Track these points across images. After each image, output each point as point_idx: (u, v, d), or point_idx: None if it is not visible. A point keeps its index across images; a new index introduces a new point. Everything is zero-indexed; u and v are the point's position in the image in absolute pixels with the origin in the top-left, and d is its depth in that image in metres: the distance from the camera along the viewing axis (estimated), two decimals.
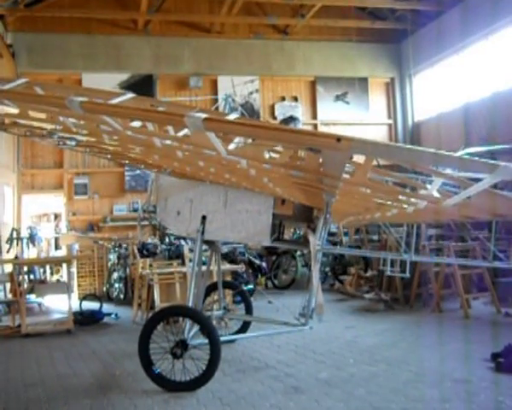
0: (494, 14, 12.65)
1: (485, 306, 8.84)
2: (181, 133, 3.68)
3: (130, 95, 4.45)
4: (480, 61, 13.78)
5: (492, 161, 2.48)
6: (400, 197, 4.15)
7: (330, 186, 4.15)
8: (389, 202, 4.54)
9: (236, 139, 3.80)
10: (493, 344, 5.96)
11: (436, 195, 3.56)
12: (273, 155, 4.38)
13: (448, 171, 4.00)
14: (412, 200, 4.11)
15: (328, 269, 12.54)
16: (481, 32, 13.45)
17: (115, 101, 3.75)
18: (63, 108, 2.95)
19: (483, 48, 13.67)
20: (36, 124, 4.83)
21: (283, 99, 16.26)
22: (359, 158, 2.97)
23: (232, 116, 4.32)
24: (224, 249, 10.75)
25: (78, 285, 12.56)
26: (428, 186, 3.76)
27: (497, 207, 3.65)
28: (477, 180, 2.78)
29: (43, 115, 4.44)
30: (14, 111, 4.45)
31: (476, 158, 2.57)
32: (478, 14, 13.25)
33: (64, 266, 11.59)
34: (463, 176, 3.44)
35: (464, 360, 5.91)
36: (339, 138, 2.33)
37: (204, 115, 2.51)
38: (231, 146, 3.69)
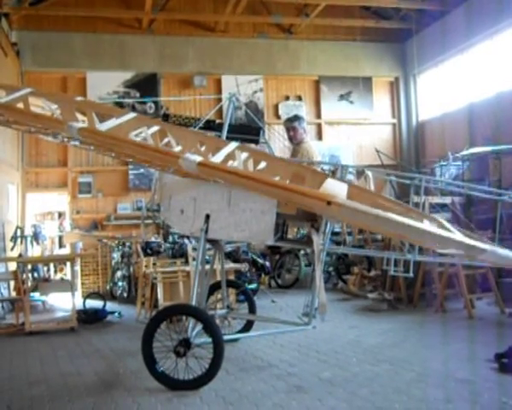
0: (499, 13, 12.62)
1: (489, 306, 8.81)
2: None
3: (131, 115, 4.45)
4: (484, 61, 13.75)
5: (479, 245, 2.49)
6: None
7: (327, 217, 4.17)
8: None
9: (235, 163, 3.80)
10: (497, 345, 5.93)
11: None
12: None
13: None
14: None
15: (331, 268, 12.52)
16: (486, 32, 13.42)
17: (116, 122, 3.75)
18: (62, 131, 2.97)
19: (487, 48, 13.65)
20: (39, 124, 4.85)
21: (287, 98, 16.27)
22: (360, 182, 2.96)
23: (229, 148, 4.27)
24: (228, 248, 10.75)
25: (82, 283, 12.57)
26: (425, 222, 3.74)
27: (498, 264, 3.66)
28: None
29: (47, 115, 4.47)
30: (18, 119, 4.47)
31: (470, 241, 2.56)
32: (482, 14, 13.22)
33: (68, 264, 11.66)
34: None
35: (468, 360, 5.88)
36: (329, 202, 2.31)
37: (198, 159, 2.51)
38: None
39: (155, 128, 4.50)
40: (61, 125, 2.91)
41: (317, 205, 2.42)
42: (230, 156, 4.66)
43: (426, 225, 2.69)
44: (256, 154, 5.18)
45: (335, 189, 4.07)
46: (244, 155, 4.68)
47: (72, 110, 4.22)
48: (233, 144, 4.42)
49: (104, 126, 3.99)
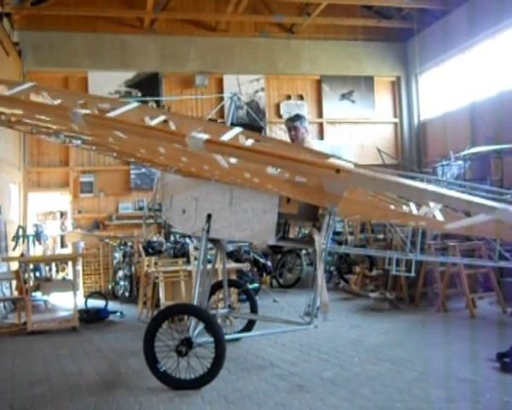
0: (501, 12, 12.60)
1: (491, 305, 8.81)
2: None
3: (134, 104, 4.44)
4: (486, 60, 13.73)
5: (491, 203, 2.45)
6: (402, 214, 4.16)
7: (333, 197, 4.15)
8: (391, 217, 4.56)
9: None
10: (499, 344, 5.94)
11: (439, 217, 3.52)
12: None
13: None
14: (415, 217, 4.11)
15: (333, 268, 12.52)
16: (488, 31, 13.39)
17: (120, 111, 3.75)
18: (67, 119, 2.96)
19: (490, 47, 13.62)
20: (42, 123, 4.85)
21: (289, 98, 16.25)
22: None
23: (233, 132, 4.28)
24: (229, 248, 10.75)
25: (84, 283, 12.59)
26: (431, 205, 3.71)
27: (503, 233, 3.61)
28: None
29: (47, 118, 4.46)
30: (20, 112, 4.46)
31: (476, 200, 2.53)
32: (484, 13, 13.20)
33: (69, 263, 11.63)
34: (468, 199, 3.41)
35: (470, 359, 5.89)
36: (338, 170, 2.31)
37: (205, 137, 2.50)
38: (233, 160, 3.68)
39: (160, 118, 4.50)
40: (65, 112, 2.90)
41: (326, 174, 2.41)
42: (235, 140, 4.66)
43: (436, 188, 2.66)
44: (260, 138, 5.17)
45: (341, 162, 4.07)
46: (249, 141, 4.67)
47: (74, 104, 4.23)
48: (237, 129, 4.41)
49: (108, 115, 4.00)
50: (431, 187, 2.36)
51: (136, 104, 4.15)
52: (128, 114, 3.96)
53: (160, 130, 3.54)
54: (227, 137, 4.18)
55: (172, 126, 4.68)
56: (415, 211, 3.96)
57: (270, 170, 4.27)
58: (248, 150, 2.62)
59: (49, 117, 3.84)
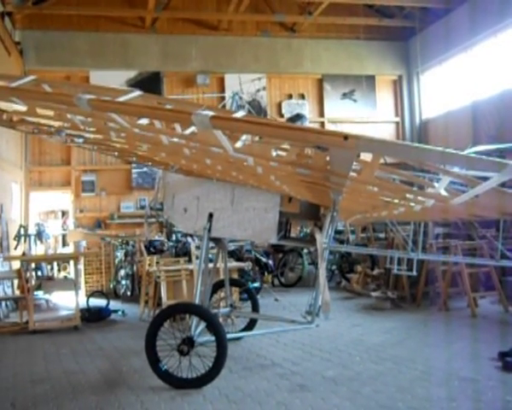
0: (503, 11, 12.58)
1: (493, 305, 8.80)
2: (188, 131, 3.68)
3: (137, 92, 4.45)
4: (488, 59, 13.71)
5: (501, 160, 2.46)
6: (407, 196, 4.12)
7: (337, 184, 4.14)
8: (396, 201, 4.52)
9: (243, 137, 3.79)
10: (501, 343, 5.94)
11: (443, 193, 3.53)
12: (280, 152, 4.37)
13: (455, 169, 3.99)
14: (419, 198, 4.09)
15: (334, 267, 12.52)
16: (490, 30, 13.37)
17: (122, 98, 3.75)
18: (71, 105, 2.95)
19: (491, 45, 13.60)
20: (43, 121, 4.85)
21: (290, 97, 16.25)
22: (366, 157, 2.96)
23: (239, 114, 4.31)
24: (231, 247, 10.76)
25: (86, 282, 12.60)
26: (436, 184, 3.73)
27: (506, 206, 3.62)
28: (485, 179, 2.76)
29: (50, 113, 4.46)
30: (22, 109, 4.47)
31: (484, 157, 2.55)
32: (486, 12, 13.18)
33: (71, 262, 11.63)
34: (471, 175, 3.42)
35: (471, 358, 5.88)
36: (346, 136, 2.31)
37: (211, 113, 2.50)
38: (238, 144, 3.68)
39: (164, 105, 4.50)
40: (70, 98, 2.89)
41: (334, 141, 2.40)
42: None
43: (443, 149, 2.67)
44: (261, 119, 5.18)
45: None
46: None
47: (78, 91, 4.23)
48: (240, 113, 4.42)
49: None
50: (437, 149, 2.36)
51: (138, 92, 4.15)
52: (132, 101, 3.96)
53: (165, 110, 3.54)
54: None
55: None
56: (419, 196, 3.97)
57: (275, 153, 4.26)
58: (256, 123, 2.61)
59: (53, 105, 3.83)
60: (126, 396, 4.95)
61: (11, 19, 13.51)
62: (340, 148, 2.51)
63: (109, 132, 4.55)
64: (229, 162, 4.40)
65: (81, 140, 5.85)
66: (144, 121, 3.78)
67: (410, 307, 8.97)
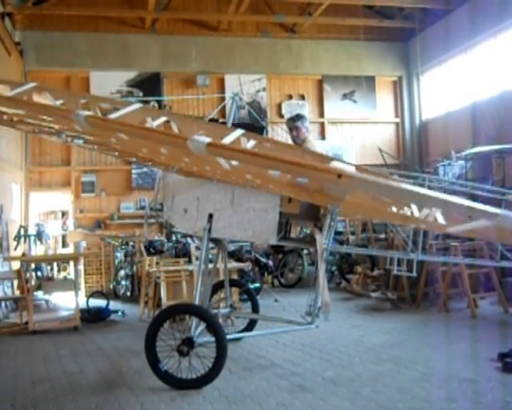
0: (502, 12, 12.59)
1: (493, 305, 8.80)
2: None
3: (137, 105, 4.45)
4: (488, 60, 13.72)
5: (493, 210, 2.46)
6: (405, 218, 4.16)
7: (334, 199, 4.15)
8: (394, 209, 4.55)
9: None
10: (500, 344, 5.94)
11: (440, 219, 3.52)
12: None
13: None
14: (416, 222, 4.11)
15: (334, 268, 12.52)
16: (489, 31, 13.38)
17: (122, 112, 3.75)
18: (69, 120, 2.97)
19: (491, 46, 13.61)
20: (44, 124, 4.85)
21: (290, 97, 16.26)
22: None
23: (235, 135, 4.28)
24: (231, 248, 10.76)
25: (85, 283, 12.61)
26: (434, 209, 3.73)
27: (504, 238, 3.60)
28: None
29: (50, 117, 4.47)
30: (22, 112, 4.47)
31: (478, 206, 2.53)
32: (486, 13, 13.19)
33: (71, 263, 11.63)
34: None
35: (471, 359, 5.88)
36: (340, 175, 2.31)
37: (207, 140, 2.50)
38: (235, 162, 3.68)
39: (161, 119, 4.49)
40: (67, 114, 2.91)
41: (328, 179, 2.41)
42: (236, 143, 4.66)
43: (438, 194, 2.66)
44: (262, 140, 5.18)
45: (343, 167, 4.09)
46: (251, 142, 4.67)
47: (77, 104, 4.23)
48: (239, 131, 4.41)
49: (111, 116, 4.00)
50: (433, 193, 2.36)
51: (138, 105, 4.15)
52: (130, 115, 3.96)
53: (162, 133, 3.54)
54: (229, 139, 4.18)
55: (174, 127, 4.67)
56: (416, 213, 3.97)
57: (272, 172, 4.27)
58: (250, 154, 2.62)
59: (51, 118, 3.84)
60: (126, 397, 4.95)
61: (11, 19, 13.50)
62: (333, 184, 2.53)
63: (110, 137, 4.56)
64: (228, 171, 4.41)
65: (81, 141, 5.86)
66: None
67: (410, 308, 8.97)
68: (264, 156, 2.67)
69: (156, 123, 4.40)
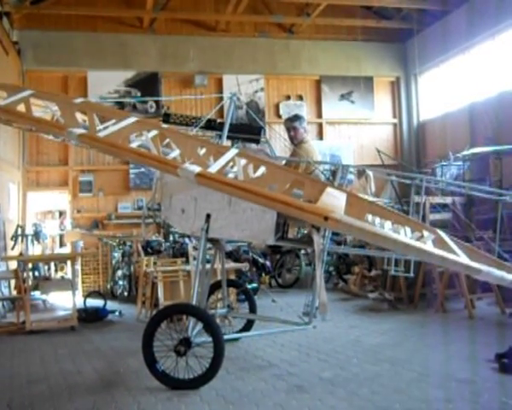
0: (500, 13, 12.61)
1: (490, 306, 8.81)
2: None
3: (132, 119, 4.45)
4: (486, 61, 13.74)
5: (475, 266, 2.51)
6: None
7: None
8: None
9: (235, 169, 3.81)
10: (498, 345, 5.93)
11: (429, 247, 3.57)
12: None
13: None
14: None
15: (332, 268, 12.53)
16: (487, 32, 13.41)
17: (117, 127, 3.75)
18: (62, 136, 2.98)
19: (489, 47, 13.63)
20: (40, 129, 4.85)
21: (288, 98, 16.27)
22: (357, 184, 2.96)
23: (230, 155, 4.27)
24: (229, 248, 10.75)
25: (83, 282, 12.59)
26: (426, 233, 3.77)
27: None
28: None
29: (48, 117, 4.48)
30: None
31: (461, 260, 2.58)
32: (484, 14, 13.21)
33: (68, 263, 11.64)
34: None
35: (468, 360, 5.88)
36: (326, 217, 2.31)
37: (197, 170, 2.51)
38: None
39: (155, 132, 4.49)
40: (61, 131, 2.93)
41: (314, 219, 2.43)
42: (230, 162, 4.69)
43: (423, 245, 2.71)
44: (255, 160, 5.19)
45: (334, 200, 4.09)
46: (243, 161, 4.68)
47: (72, 113, 4.22)
48: (233, 151, 4.42)
49: (104, 132, 3.99)
50: (417, 244, 2.41)
51: (133, 119, 4.15)
52: (125, 130, 3.96)
53: (153, 158, 3.55)
54: (223, 160, 4.18)
55: (170, 142, 4.67)
56: (409, 235, 4.00)
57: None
58: (238, 188, 2.64)
59: (45, 132, 3.86)
60: (123, 397, 4.94)
61: (9, 18, 13.48)
62: (320, 225, 2.55)
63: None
64: None
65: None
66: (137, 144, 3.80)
67: (408, 309, 8.98)
68: (252, 191, 2.68)
69: (151, 135, 4.40)
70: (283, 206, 2.60)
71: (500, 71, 13.18)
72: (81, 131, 2.87)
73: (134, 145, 3.78)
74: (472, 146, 12.87)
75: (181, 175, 2.47)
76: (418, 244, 2.41)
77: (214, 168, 4.00)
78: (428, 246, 2.79)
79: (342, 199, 4.50)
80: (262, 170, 5.17)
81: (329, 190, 4.63)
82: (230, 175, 3.66)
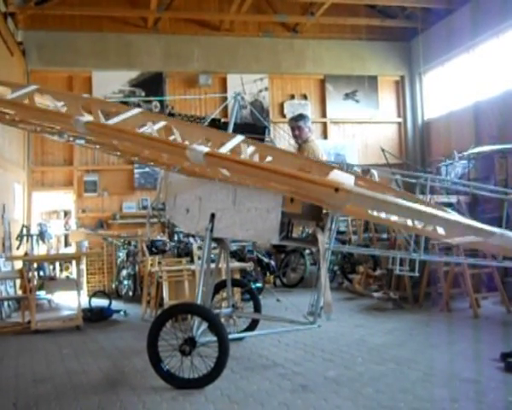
0: (505, 12, 12.58)
1: (495, 305, 8.79)
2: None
3: (137, 110, 4.46)
4: (490, 60, 13.70)
5: (488, 228, 2.46)
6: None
7: (334, 207, 4.15)
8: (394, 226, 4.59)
9: (242, 156, 3.80)
10: (503, 344, 5.93)
11: (439, 230, 3.53)
12: None
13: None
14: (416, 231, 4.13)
15: (336, 268, 12.52)
16: (492, 31, 13.37)
17: (122, 117, 3.75)
18: (69, 125, 2.97)
19: (494, 46, 13.59)
20: (46, 123, 4.86)
21: (293, 97, 16.26)
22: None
23: (235, 141, 4.27)
24: (233, 247, 10.76)
25: (88, 282, 12.62)
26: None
27: (506, 252, 3.60)
28: None
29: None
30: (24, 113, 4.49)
31: (475, 224, 2.53)
32: (488, 13, 13.17)
33: (73, 262, 11.67)
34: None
35: (473, 359, 5.87)
36: (337, 189, 2.30)
37: (205, 150, 2.49)
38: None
39: (161, 123, 4.48)
40: (67, 119, 2.92)
41: (325, 192, 2.40)
42: (236, 150, 4.67)
43: (436, 211, 2.65)
44: (262, 147, 5.17)
45: (342, 178, 4.08)
46: (250, 148, 4.66)
47: (78, 107, 4.23)
48: (239, 137, 4.40)
49: (110, 122, 4.00)
50: (431, 210, 2.35)
51: (138, 110, 4.16)
52: (130, 120, 3.96)
53: (161, 141, 3.53)
54: (229, 146, 4.18)
55: (176, 133, 4.66)
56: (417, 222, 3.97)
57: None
58: (248, 165, 2.61)
59: (51, 123, 3.85)
60: (128, 396, 4.95)
61: (13, 19, 13.54)
62: (330, 199, 2.52)
63: (111, 140, 4.56)
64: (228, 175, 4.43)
65: (83, 141, 5.86)
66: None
67: (412, 308, 8.97)
68: (262, 168, 2.67)
69: (157, 126, 4.40)
70: (294, 180, 2.58)
71: (505, 69, 13.14)
72: (88, 118, 2.87)
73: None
74: (477, 145, 12.84)
75: (190, 156, 2.45)
76: (432, 210, 2.39)
77: (223, 150, 3.99)
78: (441, 212, 2.73)
79: (350, 179, 4.49)
80: (269, 159, 5.17)
81: (336, 171, 4.63)
82: None
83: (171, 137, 5.14)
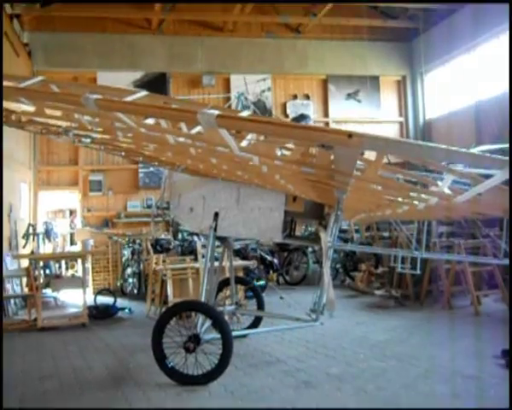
0: (505, 12, 12.59)
1: (496, 303, 8.84)
2: (194, 130, 3.74)
3: (143, 92, 4.53)
4: (491, 60, 13.73)
5: (503, 157, 2.50)
6: (411, 194, 4.18)
7: (341, 183, 4.20)
8: (400, 199, 4.58)
9: (249, 136, 3.85)
10: (504, 341, 5.97)
11: (447, 191, 3.59)
12: (285, 152, 4.44)
13: (459, 168, 4.05)
14: (423, 196, 4.14)
15: (339, 265, 12.57)
16: (493, 31, 13.40)
17: (129, 98, 3.83)
18: (79, 105, 3.02)
19: (495, 46, 13.62)
20: (52, 122, 4.92)
21: (295, 97, 16.31)
22: (370, 155, 3.02)
23: (244, 113, 4.37)
24: (236, 246, 10.83)
25: (93, 280, 12.69)
26: (439, 183, 3.80)
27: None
28: (488, 177, 2.82)
29: (58, 113, 4.54)
30: (31, 109, 4.55)
31: (487, 154, 2.59)
32: (489, 13, 13.20)
33: (79, 261, 11.77)
34: (474, 173, 3.46)
35: (474, 356, 5.92)
36: (350, 134, 2.37)
37: (217, 112, 2.55)
38: (244, 143, 3.75)
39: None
40: (77, 98, 2.97)
41: (338, 139, 2.46)
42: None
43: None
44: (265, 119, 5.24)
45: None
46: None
47: (85, 92, 4.30)
48: (246, 112, 4.49)
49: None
50: (441, 146, 2.40)
51: (144, 92, 4.22)
52: (139, 101, 4.03)
53: (171, 109, 3.59)
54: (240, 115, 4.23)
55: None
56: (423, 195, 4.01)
57: (280, 152, 4.31)
58: (261, 122, 2.67)
59: (60, 105, 3.90)
60: (133, 392, 5.03)
61: (19, 20, 13.63)
62: (344, 146, 2.57)
63: (116, 132, 4.63)
64: (234, 162, 4.47)
65: (88, 140, 5.94)
66: (151, 121, 3.86)
67: (414, 306, 9.02)
68: (275, 123, 2.72)
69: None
70: (306, 131, 2.63)
71: (506, 69, 13.16)
72: (98, 96, 2.92)
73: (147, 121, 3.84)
74: (478, 144, 12.86)
75: (201, 120, 2.48)
76: (443, 146, 2.44)
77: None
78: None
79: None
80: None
81: None
82: (245, 142, 3.71)
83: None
